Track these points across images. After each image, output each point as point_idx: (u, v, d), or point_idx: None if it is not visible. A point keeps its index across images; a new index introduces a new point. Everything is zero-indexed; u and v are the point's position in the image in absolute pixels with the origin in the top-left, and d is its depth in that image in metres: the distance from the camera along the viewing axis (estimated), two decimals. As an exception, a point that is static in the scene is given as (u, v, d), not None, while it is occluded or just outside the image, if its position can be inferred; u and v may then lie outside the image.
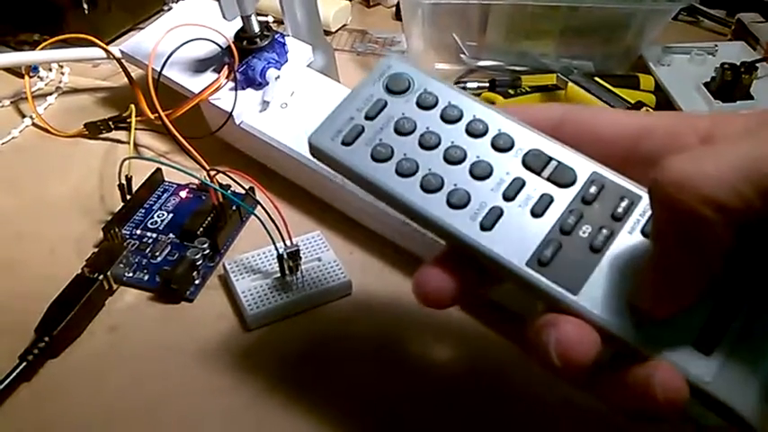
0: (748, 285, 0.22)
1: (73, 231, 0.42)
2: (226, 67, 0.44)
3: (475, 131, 0.26)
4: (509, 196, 0.25)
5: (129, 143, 0.48)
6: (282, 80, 0.44)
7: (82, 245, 0.41)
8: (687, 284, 0.21)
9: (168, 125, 0.43)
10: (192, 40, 0.44)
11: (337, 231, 0.42)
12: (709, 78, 0.53)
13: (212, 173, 0.40)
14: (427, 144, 0.26)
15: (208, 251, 0.40)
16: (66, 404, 0.33)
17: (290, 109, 0.45)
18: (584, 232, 0.24)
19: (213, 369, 0.35)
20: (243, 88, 0.44)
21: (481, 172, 0.25)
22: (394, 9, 0.68)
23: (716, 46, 0.57)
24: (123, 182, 0.42)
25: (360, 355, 0.36)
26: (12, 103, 0.54)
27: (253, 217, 0.41)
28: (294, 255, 0.37)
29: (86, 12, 0.58)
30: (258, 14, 0.45)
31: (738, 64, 0.51)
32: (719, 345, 0.22)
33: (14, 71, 0.57)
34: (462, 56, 0.57)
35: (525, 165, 0.25)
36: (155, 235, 0.41)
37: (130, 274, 0.39)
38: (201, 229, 0.40)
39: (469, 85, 0.55)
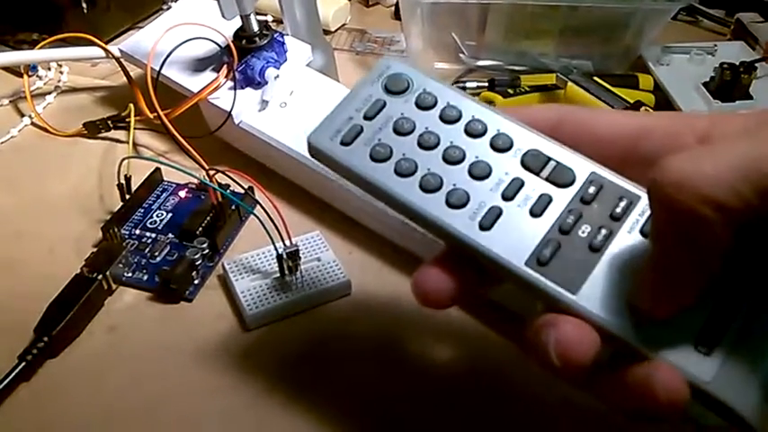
0: (748, 285, 0.22)
1: (72, 231, 0.42)
2: (225, 66, 0.44)
3: (474, 132, 0.26)
4: (508, 196, 0.25)
5: (128, 142, 0.48)
6: (281, 79, 0.44)
7: (81, 244, 0.41)
8: (686, 284, 0.21)
9: (167, 124, 0.43)
10: (190, 40, 0.44)
11: (336, 231, 0.42)
12: (709, 78, 0.53)
13: (211, 172, 0.40)
14: (426, 144, 0.26)
15: (207, 251, 0.40)
16: (65, 404, 0.33)
17: (290, 108, 0.45)
18: (583, 232, 0.24)
19: (212, 369, 0.35)
20: (242, 87, 0.44)
21: (480, 172, 0.25)
22: (393, 8, 0.68)
23: (715, 46, 0.57)
24: (122, 181, 0.42)
25: (359, 355, 0.36)
26: (11, 102, 0.54)
27: (252, 217, 0.41)
28: (293, 255, 0.37)
29: (85, 11, 0.58)
30: (257, 14, 0.45)
31: (737, 64, 0.51)
32: (719, 345, 0.22)
33: (13, 70, 0.57)
34: (461, 55, 0.57)
35: (524, 165, 0.25)
36: (154, 235, 0.41)
37: (129, 274, 0.39)
38: (201, 228, 0.40)
39: (469, 84, 0.55)
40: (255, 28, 0.45)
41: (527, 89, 0.52)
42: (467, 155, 0.25)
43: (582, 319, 0.22)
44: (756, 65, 0.52)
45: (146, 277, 0.39)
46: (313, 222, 0.43)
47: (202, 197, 0.43)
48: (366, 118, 0.26)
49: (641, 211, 0.24)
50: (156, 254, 0.40)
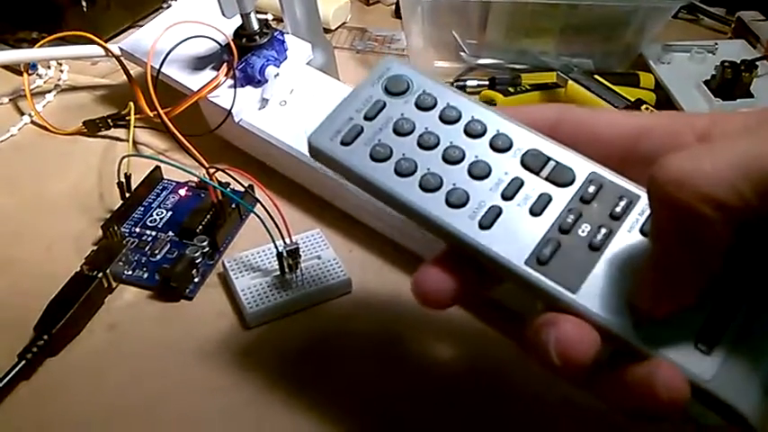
0: (748, 284, 0.22)
1: (72, 229, 0.42)
2: (225, 64, 0.44)
3: (473, 132, 0.26)
4: (508, 196, 0.25)
5: (128, 141, 0.48)
6: (282, 78, 0.44)
7: (81, 243, 0.41)
8: (686, 283, 0.21)
9: (167, 123, 0.43)
10: (191, 38, 0.44)
11: (337, 229, 0.42)
12: (710, 76, 0.53)
13: (211, 171, 0.40)
14: (426, 144, 0.26)
15: (207, 249, 0.40)
16: (65, 402, 0.33)
17: (290, 107, 0.45)
18: (582, 231, 0.24)
19: (213, 367, 0.35)
20: (242, 86, 0.44)
21: (480, 172, 0.25)
22: (393, 7, 0.68)
23: (716, 44, 0.57)
24: (122, 179, 0.42)
25: (359, 353, 0.36)
26: (10, 100, 0.54)
27: (252, 215, 0.41)
28: (294, 253, 0.37)
29: (85, 9, 0.58)
30: (257, 12, 0.45)
31: (738, 62, 0.51)
32: (719, 343, 0.22)
33: (13, 69, 0.57)
34: (462, 54, 0.57)
35: (524, 165, 0.25)
36: (154, 233, 0.41)
37: (130, 272, 0.39)
38: (201, 226, 0.40)
39: (469, 83, 0.55)
40: (256, 26, 0.45)
41: (528, 87, 0.52)
42: (466, 155, 0.25)
43: (582, 318, 0.22)
44: (757, 63, 0.52)
45: (146, 275, 0.39)
46: (313, 220, 0.43)
47: (202, 195, 0.43)
48: (366, 118, 0.26)
49: (641, 210, 0.24)
50: (157, 252, 0.40)
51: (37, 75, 0.56)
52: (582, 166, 0.25)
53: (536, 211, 0.24)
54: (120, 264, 0.39)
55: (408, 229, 0.38)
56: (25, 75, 0.53)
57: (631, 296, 0.22)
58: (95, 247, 0.40)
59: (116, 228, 0.40)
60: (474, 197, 0.25)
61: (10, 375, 0.33)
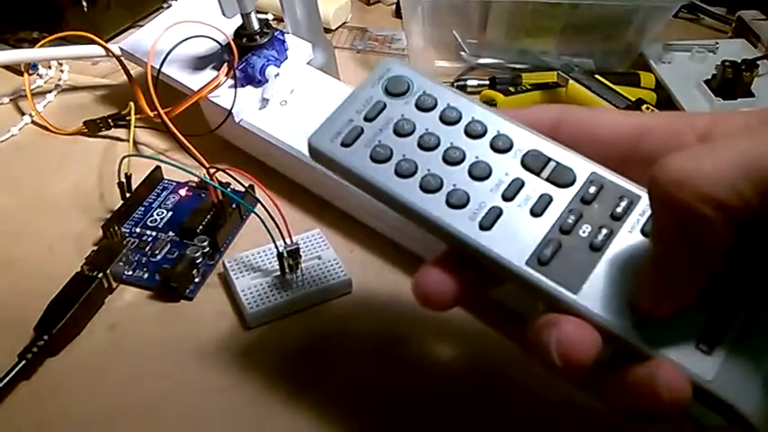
0: (748, 284, 0.22)
1: (72, 229, 0.42)
2: (225, 64, 0.44)
3: (474, 133, 0.26)
4: (508, 196, 0.25)
5: (128, 141, 0.48)
6: (282, 78, 0.44)
7: (81, 243, 0.41)
8: (687, 283, 0.21)
9: (167, 123, 0.43)
10: (191, 38, 0.44)
11: (337, 229, 0.42)
12: (710, 76, 0.52)
13: (212, 171, 0.40)
14: (426, 145, 0.26)
15: (207, 249, 0.40)
16: (65, 402, 0.33)
17: (290, 106, 0.45)
18: (583, 232, 0.24)
19: (213, 367, 0.35)
20: (242, 86, 0.44)
21: (480, 172, 0.25)
22: (394, 7, 0.67)
23: (717, 43, 0.57)
24: (123, 180, 0.42)
25: (360, 353, 0.36)
26: (11, 100, 0.54)
27: (252, 215, 0.41)
28: (294, 253, 0.37)
29: (86, 9, 0.58)
30: (258, 12, 0.45)
31: (739, 61, 0.51)
32: (720, 343, 0.22)
33: (14, 69, 0.57)
34: (462, 53, 0.57)
35: (524, 165, 0.25)
36: (154, 233, 0.41)
37: (130, 273, 0.39)
38: (201, 227, 0.40)
39: (470, 82, 0.55)
40: (256, 26, 0.45)
41: (528, 87, 0.52)
42: (467, 156, 0.25)
43: (583, 318, 0.22)
44: (758, 62, 0.52)
45: (146, 275, 0.39)
46: (314, 221, 0.43)
47: (203, 195, 0.43)
48: (366, 120, 0.26)
49: (642, 210, 0.24)
50: (157, 252, 0.40)
51: (37, 75, 0.56)
52: (582, 167, 0.25)
53: (537, 211, 0.24)
54: (121, 264, 0.39)
55: (408, 230, 0.38)
56: (26, 75, 0.53)
57: (632, 296, 0.22)
58: (96, 248, 0.40)
59: (116, 228, 0.40)
60: (474, 198, 0.25)
61: (10, 375, 0.33)
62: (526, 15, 0.55)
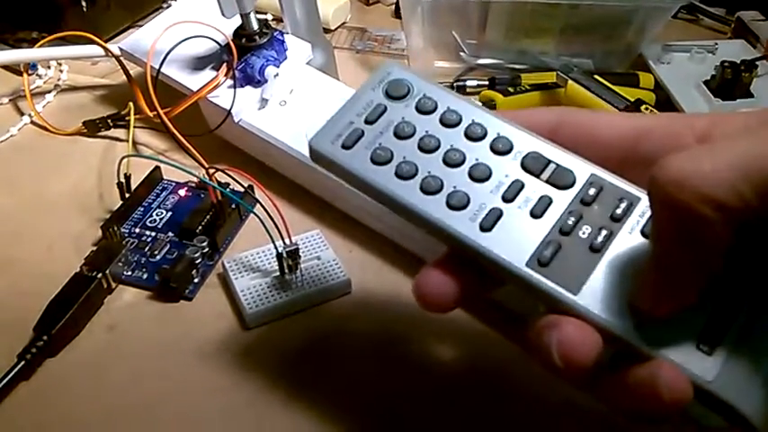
0: (749, 284, 0.22)
1: (72, 229, 0.42)
2: (224, 64, 0.44)
3: (474, 135, 0.26)
4: (508, 198, 0.25)
5: (127, 141, 0.47)
6: (281, 78, 0.44)
7: (80, 243, 0.41)
8: (687, 283, 0.21)
9: (167, 123, 0.43)
10: (190, 38, 0.44)
11: (336, 230, 0.42)
12: (710, 76, 0.52)
13: (211, 171, 0.40)
14: (427, 147, 0.26)
15: (207, 249, 0.40)
16: (64, 403, 0.33)
17: (289, 107, 0.45)
18: (583, 233, 0.24)
19: (212, 367, 0.35)
20: (242, 86, 0.44)
21: (480, 174, 0.25)
22: (393, 7, 0.68)
23: (716, 44, 0.57)
24: (122, 180, 0.42)
25: (359, 353, 0.36)
26: (10, 101, 0.54)
27: (252, 215, 0.41)
28: (293, 253, 0.37)
29: (85, 9, 0.58)
30: (257, 12, 0.45)
31: (738, 62, 0.51)
32: (721, 344, 0.22)
33: (13, 69, 0.57)
34: (462, 54, 0.57)
35: (524, 167, 0.25)
36: (153, 233, 0.41)
37: (129, 273, 0.39)
38: (200, 227, 0.40)
39: (469, 83, 0.55)
40: (255, 26, 0.45)
41: (527, 88, 0.52)
42: (467, 158, 0.26)
43: (583, 319, 0.22)
44: (757, 63, 0.52)
45: (145, 276, 0.39)
46: (313, 221, 0.43)
47: (202, 196, 0.43)
48: (367, 122, 0.27)
49: (641, 212, 0.24)
50: (156, 252, 0.40)
51: (37, 75, 0.56)
52: (582, 169, 0.25)
53: (537, 213, 0.24)
54: (120, 264, 0.38)
55: (408, 230, 0.38)
56: (25, 75, 0.53)
57: (632, 297, 0.22)
58: (95, 248, 0.40)
59: (116, 228, 0.40)
60: (475, 200, 0.25)
61: (9, 376, 0.33)
62: (525, 16, 0.55)
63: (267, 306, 0.37)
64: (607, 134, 0.26)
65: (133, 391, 0.34)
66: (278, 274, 0.38)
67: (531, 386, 0.34)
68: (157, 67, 0.43)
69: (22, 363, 0.34)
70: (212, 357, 0.35)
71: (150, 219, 0.42)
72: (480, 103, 0.51)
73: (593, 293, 0.23)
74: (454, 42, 0.57)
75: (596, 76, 0.50)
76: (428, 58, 0.58)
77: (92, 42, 0.49)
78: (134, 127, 0.47)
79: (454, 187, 0.25)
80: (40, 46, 0.51)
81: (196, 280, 0.39)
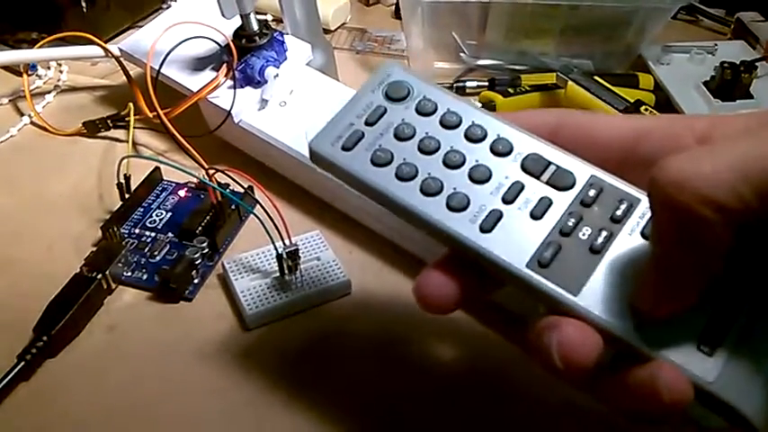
0: (749, 285, 0.22)
1: (71, 230, 0.42)
2: (224, 65, 0.44)
3: (474, 137, 0.26)
4: (508, 199, 0.25)
5: (127, 142, 0.47)
6: (281, 79, 0.44)
7: (80, 243, 0.41)
8: (687, 285, 0.21)
9: (167, 124, 0.43)
10: (190, 39, 0.44)
11: (336, 231, 0.42)
12: (709, 77, 0.53)
13: (211, 171, 0.40)
14: (427, 149, 0.26)
15: (207, 250, 0.40)
16: (64, 404, 0.33)
17: (289, 107, 0.45)
18: (583, 234, 0.24)
19: (212, 368, 0.35)
20: (241, 87, 0.44)
21: (480, 176, 0.25)
22: (393, 8, 0.68)
23: (715, 45, 0.57)
24: (122, 180, 0.42)
25: (359, 354, 0.36)
26: (10, 101, 0.54)
27: (252, 216, 0.41)
28: (293, 254, 0.37)
29: (85, 10, 0.58)
30: (257, 13, 0.45)
31: (738, 63, 0.51)
32: (722, 345, 0.22)
33: (13, 69, 0.57)
34: (462, 55, 0.57)
35: (524, 169, 0.25)
36: (153, 234, 0.41)
37: (129, 274, 0.39)
38: (200, 228, 0.40)
39: (469, 84, 0.55)
40: (255, 27, 0.45)
41: (527, 88, 0.52)
42: (467, 159, 0.26)
43: (583, 320, 0.22)
44: (757, 64, 0.52)
45: (145, 276, 0.39)
46: (313, 222, 0.43)
47: (202, 196, 0.43)
48: (367, 124, 0.27)
49: (641, 213, 0.24)
50: (156, 253, 0.40)
51: (36, 75, 0.56)
52: (582, 170, 0.25)
53: (537, 214, 0.24)
54: (120, 265, 0.38)
55: (408, 231, 0.38)
56: (25, 75, 0.53)
57: (633, 298, 0.22)
58: (95, 248, 0.40)
59: (115, 229, 0.40)
60: (475, 201, 0.25)
61: (9, 376, 0.33)
62: (525, 17, 0.55)
63: (267, 307, 0.37)
64: (607, 135, 0.26)
65: (133, 392, 0.34)
66: (278, 274, 0.38)
67: (531, 387, 0.34)
68: (157, 67, 0.43)
69: (22, 363, 0.34)
70: (212, 358, 0.35)
71: (150, 219, 0.42)
72: (480, 104, 0.51)
73: (593, 294, 0.23)
74: (454, 43, 0.57)
75: (596, 77, 0.50)
76: (428, 59, 0.58)
77: (92, 43, 0.49)
78: (134, 127, 0.47)
79: (454, 189, 0.25)
80: (40, 46, 0.51)
81: (196, 281, 0.39)
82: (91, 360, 0.35)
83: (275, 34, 0.45)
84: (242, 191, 0.42)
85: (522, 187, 0.25)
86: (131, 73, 0.47)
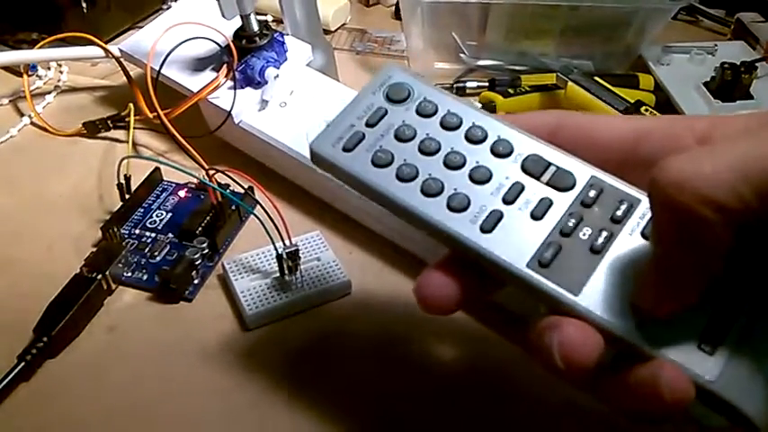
0: (750, 284, 0.22)
1: (71, 230, 0.42)
2: (225, 65, 0.44)
3: (474, 138, 0.26)
4: (509, 200, 0.25)
5: (127, 142, 0.47)
6: (281, 79, 0.44)
7: (80, 244, 0.41)
8: (688, 284, 0.21)
9: (167, 124, 0.43)
10: (190, 39, 0.44)
11: (336, 231, 0.42)
12: (709, 78, 0.53)
13: (211, 172, 0.40)
14: (427, 150, 0.26)
15: (207, 251, 0.40)
16: (64, 404, 0.33)
17: (289, 108, 0.45)
18: (584, 234, 0.24)
19: (212, 369, 0.35)
20: (242, 87, 0.44)
21: (481, 177, 0.25)
22: (393, 8, 0.67)
23: (715, 45, 0.57)
24: (122, 181, 0.42)
25: (360, 355, 0.36)
26: (10, 101, 0.54)
27: (252, 216, 0.41)
28: (293, 254, 0.37)
29: (85, 10, 0.58)
30: (257, 13, 0.45)
31: (738, 63, 0.51)
32: (723, 343, 0.22)
33: (13, 70, 0.57)
34: (462, 55, 0.57)
35: (524, 170, 0.25)
36: (153, 234, 0.41)
37: (129, 274, 0.39)
38: (200, 228, 0.40)
39: (469, 84, 0.55)
40: (255, 28, 0.45)
41: (527, 89, 0.52)
42: (467, 160, 0.26)
43: (584, 320, 0.22)
44: (757, 65, 0.52)
45: (145, 277, 0.39)
46: (313, 222, 0.43)
47: (202, 197, 0.43)
48: (368, 125, 0.27)
49: (642, 213, 0.24)
50: (156, 253, 0.40)
51: (37, 76, 0.56)
52: (582, 171, 0.25)
53: (537, 215, 0.24)
54: (120, 265, 0.38)
55: (408, 232, 0.38)
56: (25, 76, 0.53)
57: (633, 297, 0.22)
58: (95, 249, 0.40)
59: (115, 229, 0.40)
60: (475, 201, 0.25)
61: (9, 377, 0.33)
62: (525, 17, 0.55)
63: (267, 307, 0.37)
64: (606, 136, 0.26)
65: (133, 393, 0.34)
66: (278, 275, 0.38)
67: (531, 387, 0.34)
68: (157, 68, 0.43)
69: (22, 364, 0.34)
70: (212, 358, 0.35)
71: (150, 220, 0.42)
72: (480, 105, 0.51)
73: (593, 294, 0.23)
74: (454, 44, 0.57)
75: (596, 78, 0.50)
76: (428, 60, 0.58)
77: (92, 43, 0.49)
78: (134, 128, 0.47)
79: (455, 189, 0.25)
80: (40, 47, 0.51)
81: (196, 281, 0.39)
82: (91, 360, 0.35)
83: (275, 35, 0.45)
84: (242, 191, 0.42)
85: (523, 188, 0.25)
86: (131, 73, 0.47)
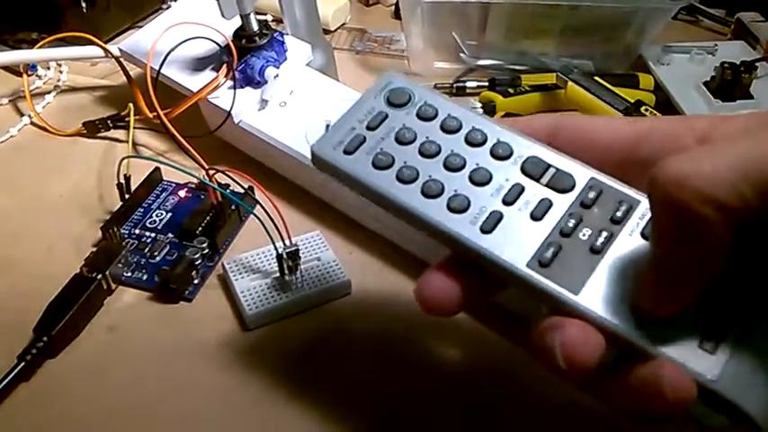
0: (750, 284, 0.22)
1: (71, 230, 0.42)
2: (224, 65, 0.44)
3: (474, 141, 0.26)
4: (509, 201, 0.25)
5: (127, 142, 0.47)
6: (281, 79, 0.44)
7: (80, 244, 0.41)
8: (688, 283, 0.21)
9: (167, 124, 0.43)
10: (190, 39, 0.44)
11: (337, 231, 0.42)
12: (709, 78, 0.53)
13: (211, 172, 0.40)
14: (427, 153, 0.26)
15: (207, 251, 0.40)
16: (64, 404, 0.33)
17: (289, 108, 0.45)
18: (584, 235, 0.24)
19: (212, 369, 0.35)
20: (241, 87, 0.44)
21: (481, 178, 0.25)
22: (393, 8, 0.67)
23: (716, 45, 0.57)
24: (122, 181, 0.42)
25: (360, 355, 0.36)
26: (10, 101, 0.54)
27: (252, 216, 0.41)
28: (293, 254, 0.37)
29: (85, 10, 0.58)
30: (257, 13, 0.45)
31: (738, 63, 0.51)
32: (724, 342, 0.22)
33: (13, 70, 0.57)
34: (462, 55, 0.57)
35: (524, 172, 0.26)
36: (153, 234, 0.41)
37: (129, 274, 0.39)
38: (200, 228, 0.40)
39: (469, 84, 0.55)
40: (255, 27, 0.45)
41: (527, 89, 0.52)
42: (467, 162, 0.26)
43: (585, 320, 0.22)
44: (757, 64, 0.52)
45: (145, 277, 0.39)
46: (313, 222, 0.43)
47: (202, 197, 0.43)
48: (369, 128, 0.27)
49: (641, 214, 0.24)
50: (156, 253, 0.40)
51: (36, 76, 0.56)
52: (582, 173, 0.25)
53: (537, 215, 0.24)
54: (120, 265, 0.38)
55: (408, 232, 0.38)
56: (25, 76, 0.53)
57: (634, 296, 0.22)
58: (95, 249, 0.40)
59: (115, 229, 0.40)
60: (475, 203, 0.25)
61: (9, 377, 0.33)
62: (525, 17, 0.55)
63: (267, 307, 0.37)
64: (606, 137, 0.26)
65: (133, 392, 0.34)
66: (278, 275, 0.38)
67: (533, 387, 0.34)
68: (157, 68, 0.43)
69: (22, 364, 0.34)
70: (212, 358, 0.35)
71: (150, 220, 0.42)
72: (480, 105, 0.51)
73: (594, 294, 0.23)
74: (454, 43, 0.57)
75: (596, 78, 0.51)
76: (428, 60, 0.58)
77: (91, 43, 0.49)
78: (134, 128, 0.47)
79: (455, 191, 0.25)
80: (40, 47, 0.51)
81: (196, 281, 0.39)
82: (91, 360, 0.35)
83: (275, 34, 0.45)
84: (242, 191, 0.42)
85: (523, 189, 0.25)
86: (131, 73, 0.47)
